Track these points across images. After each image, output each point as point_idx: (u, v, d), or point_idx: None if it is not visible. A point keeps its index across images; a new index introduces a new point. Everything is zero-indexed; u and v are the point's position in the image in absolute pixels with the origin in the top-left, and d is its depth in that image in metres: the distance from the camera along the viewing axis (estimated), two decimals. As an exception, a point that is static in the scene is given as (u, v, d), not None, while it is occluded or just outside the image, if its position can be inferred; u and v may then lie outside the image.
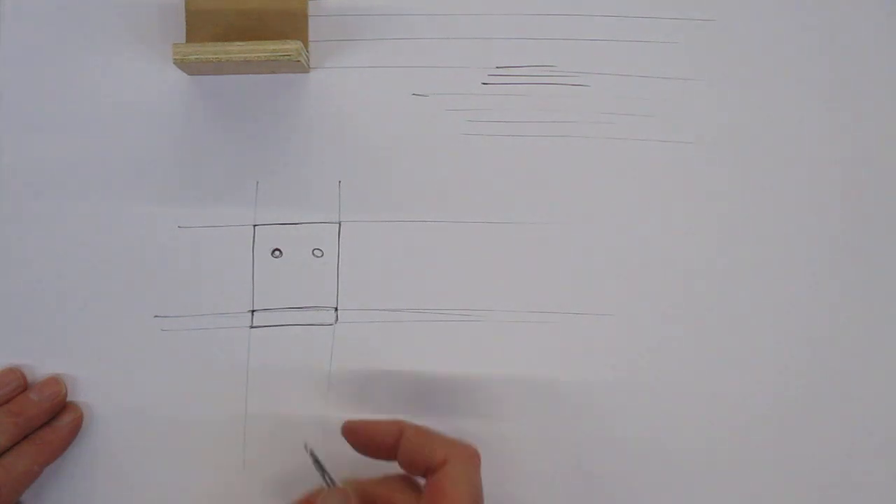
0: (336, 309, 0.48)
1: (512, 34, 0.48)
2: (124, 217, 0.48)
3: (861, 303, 0.49)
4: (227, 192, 0.48)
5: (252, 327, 0.48)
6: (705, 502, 0.49)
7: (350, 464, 0.45)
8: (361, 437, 0.44)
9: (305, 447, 0.45)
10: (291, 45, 0.44)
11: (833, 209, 0.49)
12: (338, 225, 0.48)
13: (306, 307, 0.48)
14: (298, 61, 0.44)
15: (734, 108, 0.49)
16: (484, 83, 0.48)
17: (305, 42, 0.47)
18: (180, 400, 0.48)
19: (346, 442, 0.45)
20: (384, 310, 0.48)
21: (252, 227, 0.48)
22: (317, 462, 0.44)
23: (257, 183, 0.48)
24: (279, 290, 0.48)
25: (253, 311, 0.48)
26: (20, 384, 0.47)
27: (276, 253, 0.48)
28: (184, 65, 0.44)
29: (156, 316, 0.48)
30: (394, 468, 0.44)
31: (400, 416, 0.49)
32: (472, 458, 0.42)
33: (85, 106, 0.47)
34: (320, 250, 0.48)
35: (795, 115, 0.49)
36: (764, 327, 0.49)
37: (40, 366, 0.48)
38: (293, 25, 0.47)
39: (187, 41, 0.46)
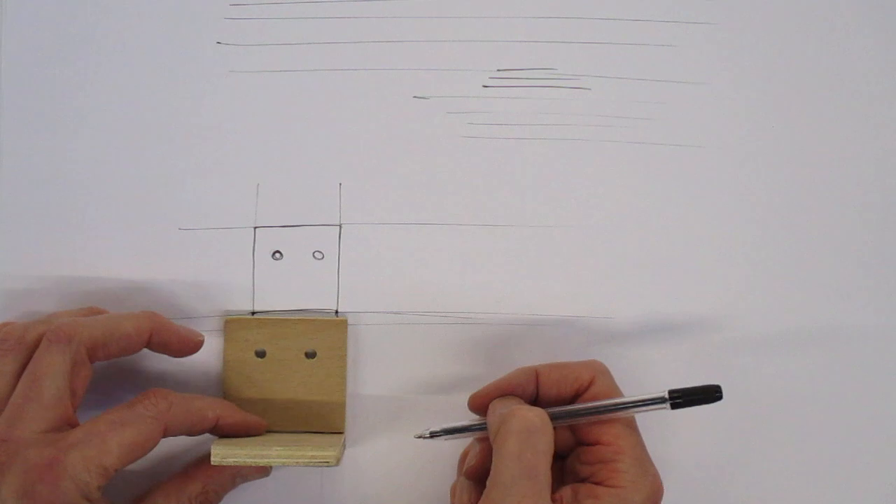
0: (336, 311, 0.48)
1: (513, 37, 0.48)
2: (124, 219, 0.47)
3: (867, 306, 0.49)
4: (227, 195, 0.48)
5: (252, 329, 0.48)
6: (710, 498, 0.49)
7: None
8: (497, 396, 0.44)
9: (426, 435, 0.44)
10: (330, 453, 0.43)
11: (836, 211, 0.49)
12: (338, 227, 0.48)
13: (307, 309, 0.48)
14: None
15: (735, 112, 0.49)
16: (485, 86, 0.48)
17: (342, 426, 0.47)
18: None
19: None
20: (385, 312, 0.48)
21: (252, 230, 0.48)
22: (451, 431, 0.44)
23: (258, 185, 0.48)
24: (280, 293, 0.48)
25: (253, 313, 0.48)
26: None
27: (277, 255, 0.48)
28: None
29: (156, 318, 0.48)
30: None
31: (401, 421, 0.49)
32: (607, 370, 0.44)
33: (86, 106, 0.47)
34: (321, 252, 0.48)
35: (797, 118, 0.49)
36: (765, 331, 0.49)
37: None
38: (331, 414, 0.47)
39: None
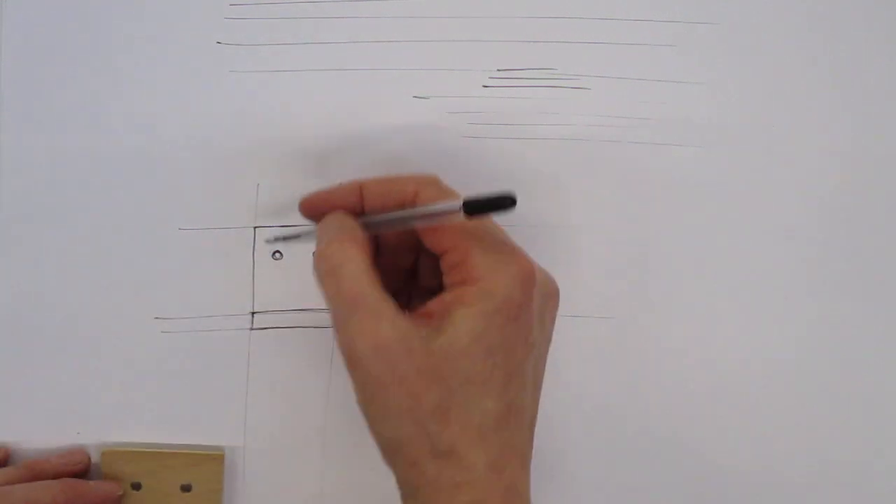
0: (336, 311, 0.48)
1: (513, 37, 0.48)
2: (124, 219, 0.47)
3: (865, 303, 0.49)
4: (227, 194, 0.48)
5: (252, 329, 0.48)
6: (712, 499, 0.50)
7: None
8: (325, 208, 0.43)
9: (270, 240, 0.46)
10: None
11: (835, 212, 0.49)
12: (338, 227, 0.48)
13: (307, 309, 0.48)
14: None
15: (735, 112, 0.49)
16: (485, 86, 0.48)
17: None
18: (180, 402, 0.49)
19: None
20: (384, 312, 0.48)
21: (252, 229, 0.48)
22: (287, 238, 0.46)
23: (258, 185, 0.48)
24: (279, 292, 0.48)
25: (253, 313, 0.48)
26: (83, 467, 0.48)
27: (277, 255, 0.48)
28: None
29: (156, 317, 0.48)
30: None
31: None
32: (437, 180, 0.42)
33: (85, 106, 0.47)
34: (321, 252, 0.48)
35: (797, 118, 0.49)
36: (764, 328, 0.49)
37: (39, 367, 0.48)
38: None
39: None
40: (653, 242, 0.49)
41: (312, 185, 0.48)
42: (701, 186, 0.49)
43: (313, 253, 0.41)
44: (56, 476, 0.47)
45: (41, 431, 0.49)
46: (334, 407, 0.49)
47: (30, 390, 0.48)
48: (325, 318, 0.48)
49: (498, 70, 0.48)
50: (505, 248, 0.40)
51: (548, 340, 0.41)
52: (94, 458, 0.48)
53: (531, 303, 0.39)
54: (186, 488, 0.48)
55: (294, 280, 0.48)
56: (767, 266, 0.49)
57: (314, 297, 0.48)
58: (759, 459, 0.50)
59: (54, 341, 0.48)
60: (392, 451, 0.39)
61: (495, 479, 0.38)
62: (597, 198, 0.49)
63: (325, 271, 0.40)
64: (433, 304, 0.40)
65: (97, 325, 0.48)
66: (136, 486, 0.48)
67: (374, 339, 0.37)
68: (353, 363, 0.38)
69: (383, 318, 0.38)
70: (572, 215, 0.49)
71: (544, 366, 0.42)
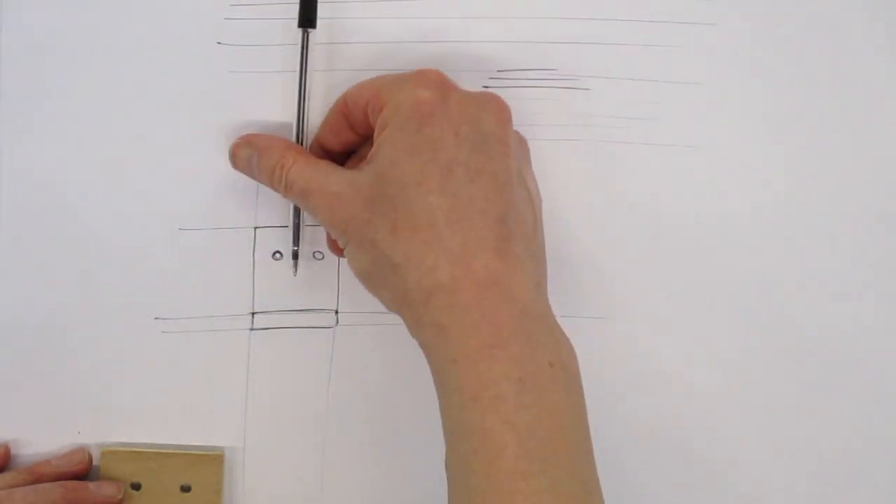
0: (336, 312, 0.49)
1: (513, 38, 0.48)
2: (125, 219, 0.47)
3: (866, 303, 0.49)
4: (227, 195, 0.48)
5: (252, 329, 0.48)
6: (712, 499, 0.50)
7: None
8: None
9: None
10: None
11: (835, 212, 0.49)
12: (338, 227, 0.48)
13: (307, 310, 0.48)
14: None
15: (735, 112, 0.49)
16: (485, 86, 0.48)
17: None
18: (180, 402, 0.49)
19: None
20: (384, 313, 0.48)
21: (253, 230, 0.48)
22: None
23: (258, 185, 0.48)
24: (279, 293, 0.48)
25: (253, 313, 0.48)
26: (84, 466, 0.48)
27: (277, 255, 0.48)
28: None
29: (156, 318, 0.48)
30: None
31: (399, 419, 0.49)
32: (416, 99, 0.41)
33: (86, 106, 0.47)
34: (321, 253, 0.48)
35: (797, 118, 0.49)
36: (764, 328, 0.49)
37: (39, 367, 0.48)
38: None
39: None
40: (652, 242, 0.49)
41: (312, 185, 0.48)
42: (700, 186, 0.49)
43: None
44: (57, 477, 0.47)
45: (41, 431, 0.49)
46: (334, 407, 0.49)
47: (30, 390, 0.48)
48: (325, 318, 0.49)
49: (498, 71, 0.48)
50: (406, 73, 0.42)
51: (500, 138, 0.41)
52: (95, 457, 0.48)
53: (447, 100, 0.40)
54: (186, 488, 0.48)
55: (294, 280, 0.48)
56: (767, 265, 0.49)
57: (314, 297, 0.49)
58: (760, 459, 0.50)
59: (54, 341, 0.48)
60: (370, 285, 0.41)
61: (463, 273, 0.38)
62: (596, 197, 0.49)
63: (282, 188, 0.43)
64: (367, 149, 0.41)
65: (97, 325, 0.48)
66: (136, 487, 0.48)
67: (327, 194, 0.40)
68: (328, 224, 0.41)
69: (330, 177, 0.41)
70: (571, 215, 0.49)
71: (508, 158, 0.41)
